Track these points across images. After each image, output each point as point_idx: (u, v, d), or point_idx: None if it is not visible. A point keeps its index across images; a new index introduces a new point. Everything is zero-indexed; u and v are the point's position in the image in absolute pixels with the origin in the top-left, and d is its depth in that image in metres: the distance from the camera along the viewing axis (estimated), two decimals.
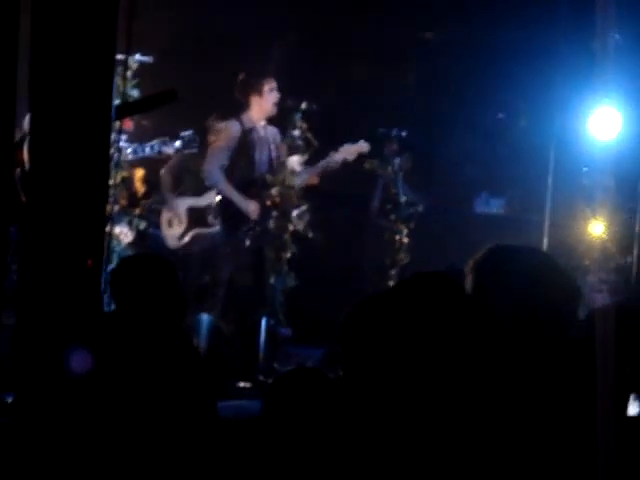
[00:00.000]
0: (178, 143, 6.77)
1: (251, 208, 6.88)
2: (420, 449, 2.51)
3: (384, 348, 2.59)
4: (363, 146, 7.13)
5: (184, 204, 7.57)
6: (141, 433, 3.51)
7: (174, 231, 7.53)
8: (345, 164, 7.15)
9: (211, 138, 7.26)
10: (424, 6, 8.44)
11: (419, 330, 2.57)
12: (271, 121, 7.02)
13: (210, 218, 7.37)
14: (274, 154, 7.03)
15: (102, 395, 3.55)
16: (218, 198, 6.92)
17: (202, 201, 7.52)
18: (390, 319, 2.62)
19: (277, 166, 7.00)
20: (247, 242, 6.91)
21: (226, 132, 6.89)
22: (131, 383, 3.57)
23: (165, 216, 7.56)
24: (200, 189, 7.55)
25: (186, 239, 7.52)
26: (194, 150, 6.91)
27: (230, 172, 6.92)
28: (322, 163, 7.03)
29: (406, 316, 2.59)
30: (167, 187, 7.58)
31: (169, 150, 6.78)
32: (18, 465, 3.73)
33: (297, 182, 6.94)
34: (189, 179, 7.62)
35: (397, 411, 2.53)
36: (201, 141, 6.95)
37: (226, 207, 6.91)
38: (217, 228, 7.35)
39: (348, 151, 7.04)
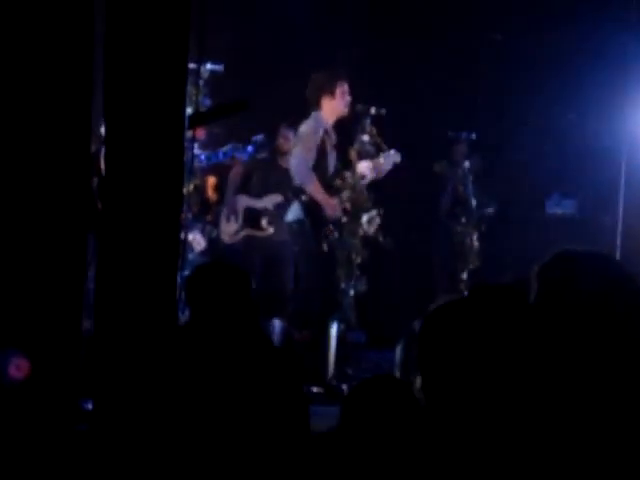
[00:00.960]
0: (250, 148, 6.79)
1: (335, 209, 6.82)
2: (498, 461, 2.47)
3: (455, 355, 2.55)
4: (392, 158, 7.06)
5: (243, 203, 7.61)
6: (231, 442, 3.50)
7: (230, 227, 7.59)
8: (416, 167, 7.11)
9: (280, 142, 7.29)
10: (491, 8, 8.40)
11: (488, 344, 2.52)
12: (342, 125, 7.00)
13: (264, 222, 7.41)
14: (337, 158, 7.03)
15: (187, 405, 3.57)
16: (303, 196, 6.87)
17: (260, 203, 7.56)
18: (459, 329, 2.57)
19: (340, 171, 6.98)
20: (325, 247, 6.87)
21: (311, 130, 6.83)
22: (220, 392, 3.57)
23: (225, 211, 7.64)
24: (263, 192, 7.60)
25: (239, 237, 7.56)
26: (266, 154, 6.94)
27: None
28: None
29: (476, 328, 2.53)
30: (233, 188, 7.65)
31: (242, 155, 6.82)
32: (99, 473, 3.77)
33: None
34: (256, 181, 7.67)
35: (472, 423, 2.49)
36: (272, 146, 6.98)
37: (310, 207, 6.85)
38: (270, 232, 7.39)
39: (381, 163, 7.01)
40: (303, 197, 6.84)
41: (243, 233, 7.56)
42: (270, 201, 7.45)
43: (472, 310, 2.49)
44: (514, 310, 2.51)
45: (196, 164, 6.54)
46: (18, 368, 3.76)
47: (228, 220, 7.62)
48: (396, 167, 7.07)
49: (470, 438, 2.36)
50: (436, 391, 2.40)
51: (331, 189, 6.89)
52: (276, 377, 3.67)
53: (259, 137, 6.86)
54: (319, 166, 6.86)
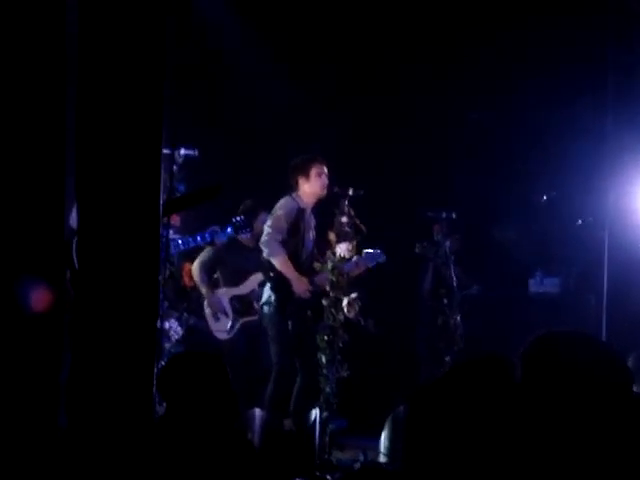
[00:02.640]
0: (229, 229, 6.74)
1: (303, 287, 6.80)
2: None
3: (443, 439, 2.51)
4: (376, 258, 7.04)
5: (226, 295, 7.51)
6: None
7: (222, 324, 7.47)
8: (396, 248, 7.06)
9: (258, 226, 7.22)
10: (471, 87, 8.44)
11: (474, 422, 2.50)
12: (319, 207, 6.99)
13: (256, 304, 7.31)
14: (314, 242, 7.01)
15: None
16: (272, 273, 6.82)
17: (245, 289, 7.46)
18: (445, 411, 2.54)
19: (316, 254, 6.95)
20: (289, 325, 6.80)
21: (285, 206, 6.87)
22: None
23: (208, 310, 7.52)
24: (234, 278, 7.50)
25: (235, 330, 7.44)
26: (247, 235, 6.88)
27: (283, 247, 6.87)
28: (345, 268, 6.93)
29: (462, 409, 2.51)
30: (199, 283, 7.55)
31: (221, 237, 6.75)
32: None
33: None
34: (222, 270, 7.58)
35: None
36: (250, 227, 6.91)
37: (278, 283, 6.81)
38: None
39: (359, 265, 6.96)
40: (272, 274, 6.78)
41: (239, 324, 7.45)
42: (254, 283, 7.35)
43: (455, 389, 2.45)
44: (497, 385, 2.48)
45: (175, 250, 6.46)
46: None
47: (217, 319, 7.50)
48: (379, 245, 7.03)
49: None
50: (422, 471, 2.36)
51: (307, 270, 6.83)
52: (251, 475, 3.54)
53: (239, 218, 6.82)
54: (292, 246, 6.84)
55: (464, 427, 2.39)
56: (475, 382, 2.50)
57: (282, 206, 6.90)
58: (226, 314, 7.48)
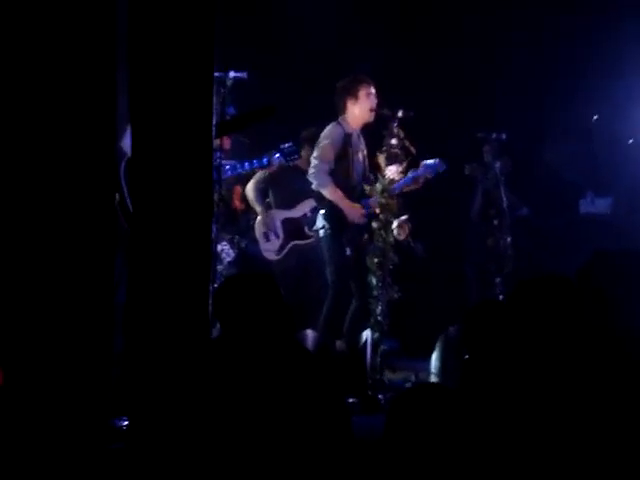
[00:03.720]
0: (278, 155, 6.72)
1: (357, 213, 6.80)
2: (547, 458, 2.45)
3: (508, 351, 2.54)
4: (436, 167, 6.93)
5: (279, 217, 7.53)
6: (272, 458, 3.41)
7: (272, 245, 7.50)
8: (445, 170, 6.99)
9: (307, 149, 7.20)
10: (520, 4, 8.31)
11: (541, 334, 2.53)
12: (368, 130, 6.95)
13: (307, 229, 7.32)
14: (366, 163, 6.98)
15: (224, 420, 3.48)
16: (324, 202, 6.82)
17: (297, 212, 7.47)
18: (512, 324, 2.58)
19: (368, 176, 6.92)
20: (348, 251, 6.84)
21: (330, 134, 6.82)
22: (254, 404, 3.48)
23: (260, 230, 7.54)
24: (287, 201, 7.51)
25: (284, 252, 7.47)
26: (295, 161, 6.86)
27: (332, 176, 6.85)
28: (402, 183, 6.88)
29: (532, 322, 2.55)
30: (254, 202, 7.57)
31: (269, 163, 6.74)
32: None
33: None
34: (275, 192, 7.59)
35: (523, 421, 2.47)
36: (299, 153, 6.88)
37: (331, 212, 6.81)
38: (314, 240, 7.29)
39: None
40: (325, 203, 6.80)
41: (289, 246, 7.47)
42: (306, 207, 7.34)
43: (521, 306, 2.47)
44: (560, 302, 2.50)
45: (226, 174, 6.46)
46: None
47: (267, 239, 7.51)
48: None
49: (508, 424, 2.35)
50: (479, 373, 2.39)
51: (358, 195, 6.82)
52: (317, 388, 3.57)
53: (287, 145, 6.79)
54: (342, 172, 6.83)
55: (528, 341, 2.41)
56: (540, 299, 2.51)
57: (327, 135, 6.85)
58: (277, 235, 7.50)
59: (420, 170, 6.85)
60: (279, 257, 7.48)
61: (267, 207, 7.58)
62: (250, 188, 7.55)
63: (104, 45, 3.88)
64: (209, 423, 3.52)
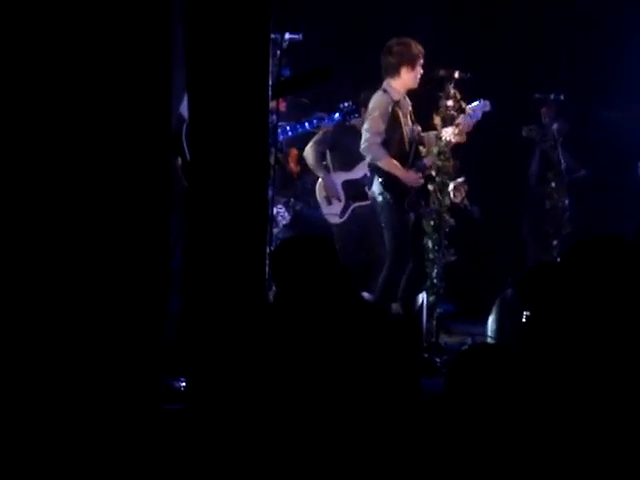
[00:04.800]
0: (337, 115, 6.67)
1: (414, 179, 6.75)
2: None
3: (565, 313, 2.53)
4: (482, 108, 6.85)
5: (339, 179, 7.49)
6: (335, 418, 3.40)
7: (335, 208, 7.46)
8: (502, 132, 6.94)
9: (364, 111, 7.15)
10: None
11: (601, 293, 2.51)
12: (425, 91, 6.88)
13: (367, 190, 7.28)
14: (416, 127, 6.90)
15: (280, 380, 3.48)
16: (380, 171, 6.79)
17: (356, 173, 7.43)
18: (570, 284, 2.56)
19: (421, 136, 6.86)
20: (410, 215, 6.79)
21: (379, 105, 6.78)
22: (315, 367, 3.46)
23: (321, 194, 7.50)
24: (346, 162, 7.46)
25: (347, 214, 7.44)
26: (355, 121, 6.80)
27: (385, 147, 6.81)
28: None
29: (588, 280, 2.53)
30: (314, 165, 7.51)
31: (329, 123, 6.69)
32: (195, 452, 3.74)
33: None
34: (333, 154, 7.54)
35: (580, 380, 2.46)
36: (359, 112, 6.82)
37: (388, 181, 6.78)
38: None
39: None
40: (380, 172, 6.77)
41: (351, 208, 7.44)
42: (365, 167, 7.28)
43: (580, 265, 2.46)
44: (621, 261, 2.48)
45: (282, 136, 6.45)
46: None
47: (329, 202, 7.47)
48: (484, 128, 6.88)
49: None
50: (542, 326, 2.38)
51: (412, 157, 6.77)
52: (385, 344, 3.53)
53: (347, 104, 6.73)
54: (395, 141, 6.77)
55: (587, 302, 2.39)
56: (598, 259, 2.49)
57: (376, 106, 6.76)
58: (339, 198, 7.47)
59: (466, 117, 6.74)
60: (342, 220, 7.44)
61: (326, 170, 7.53)
62: (308, 152, 7.50)
63: (159, 11, 3.87)
64: (266, 385, 3.52)
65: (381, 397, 3.39)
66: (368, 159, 6.83)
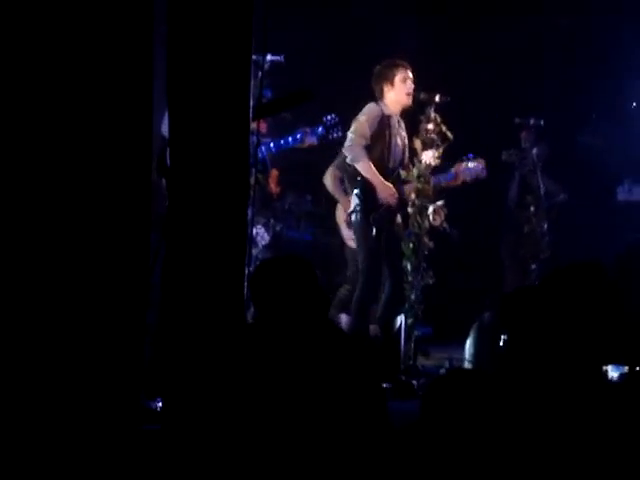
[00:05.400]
0: (321, 129, 6.66)
1: (389, 193, 6.74)
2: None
3: (542, 338, 2.54)
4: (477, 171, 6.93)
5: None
6: (307, 439, 3.41)
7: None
8: (482, 156, 6.96)
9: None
10: None
11: (578, 320, 2.53)
12: (405, 115, 6.90)
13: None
14: (406, 151, 6.92)
15: (257, 401, 3.48)
16: (357, 181, 6.77)
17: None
18: (547, 310, 2.58)
19: (406, 162, 6.88)
20: (374, 230, 6.74)
21: (369, 112, 6.77)
22: (290, 388, 3.48)
23: (340, 218, 7.39)
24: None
25: None
26: (339, 134, 6.79)
27: (367, 153, 6.79)
28: (441, 179, 6.87)
29: (565, 306, 2.55)
30: (333, 190, 7.38)
31: (312, 138, 6.67)
32: (172, 472, 3.72)
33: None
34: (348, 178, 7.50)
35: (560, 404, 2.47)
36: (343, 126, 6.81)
37: (364, 191, 6.75)
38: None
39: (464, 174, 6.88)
40: (358, 182, 6.73)
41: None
42: None
43: (556, 292, 2.47)
44: (595, 288, 2.49)
45: (266, 152, 6.45)
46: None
47: (350, 226, 7.39)
48: (465, 152, 6.94)
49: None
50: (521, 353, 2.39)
51: (393, 180, 6.78)
52: (352, 370, 3.56)
53: (329, 117, 6.73)
54: (377, 153, 6.76)
55: (564, 327, 2.40)
56: (574, 285, 2.50)
57: (365, 112, 6.79)
58: None
59: (462, 170, 6.83)
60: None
61: (345, 194, 7.46)
62: (327, 177, 7.40)
63: (141, 30, 3.88)
64: (243, 406, 3.52)
65: (345, 419, 3.41)
66: (348, 159, 6.76)
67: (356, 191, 6.77)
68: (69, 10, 3.78)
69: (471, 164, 6.89)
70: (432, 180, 6.77)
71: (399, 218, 6.85)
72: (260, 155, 6.19)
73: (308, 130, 6.66)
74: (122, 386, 3.86)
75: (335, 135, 6.78)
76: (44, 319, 3.75)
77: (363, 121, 6.75)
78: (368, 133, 6.72)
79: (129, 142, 3.89)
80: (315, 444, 3.37)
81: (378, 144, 6.76)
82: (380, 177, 6.71)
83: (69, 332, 3.77)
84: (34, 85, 3.76)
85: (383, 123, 6.77)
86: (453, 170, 6.86)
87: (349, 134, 6.77)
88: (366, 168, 6.71)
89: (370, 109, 6.80)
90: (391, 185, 6.73)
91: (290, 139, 6.56)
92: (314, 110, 6.68)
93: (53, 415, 3.72)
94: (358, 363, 3.60)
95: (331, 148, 7.02)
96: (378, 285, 6.80)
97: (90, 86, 3.82)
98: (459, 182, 6.91)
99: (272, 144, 6.53)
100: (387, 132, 6.79)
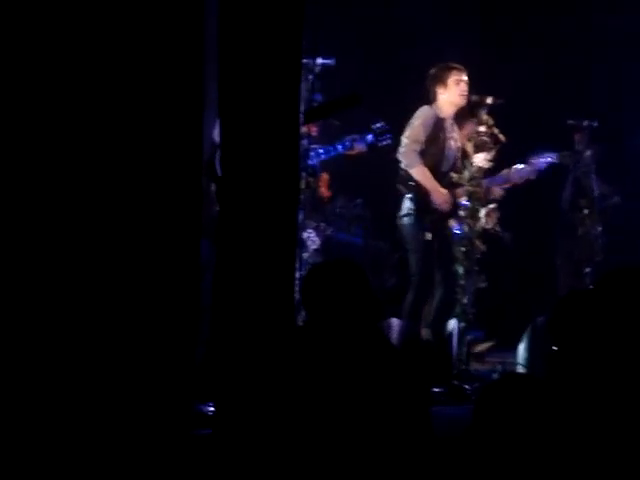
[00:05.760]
0: (370, 136, 6.66)
1: (444, 198, 6.73)
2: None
3: (595, 344, 2.49)
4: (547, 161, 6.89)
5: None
6: (353, 445, 3.40)
7: None
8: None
9: None
10: None
11: (631, 324, 2.48)
12: (459, 117, 6.86)
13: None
14: (459, 153, 6.88)
15: (307, 407, 3.47)
16: (411, 186, 6.75)
17: None
18: (601, 315, 2.53)
19: (459, 165, 6.84)
20: (428, 236, 6.72)
21: (423, 115, 6.77)
22: (337, 393, 3.47)
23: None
24: None
25: None
26: (388, 142, 6.78)
27: (421, 157, 6.76)
28: (501, 178, 6.84)
29: (617, 312, 2.50)
30: None
31: (361, 145, 6.67)
32: (223, 477, 3.72)
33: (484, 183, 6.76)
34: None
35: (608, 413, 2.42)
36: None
37: (417, 196, 6.74)
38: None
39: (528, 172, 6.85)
40: (411, 187, 6.71)
41: None
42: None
43: (608, 296, 2.43)
44: None
45: (316, 159, 6.46)
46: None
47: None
48: (516, 154, 6.90)
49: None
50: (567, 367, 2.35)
51: (447, 183, 6.75)
52: (397, 378, 3.54)
53: (379, 124, 6.72)
54: (432, 156, 6.74)
55: (617, 331, 2.36)
56: (628, 289, 2.46)
57: (419, 115, 6.79)
58: None
59: (513, 172, 6.84)
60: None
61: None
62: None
63: (192, 33, 3.90)
64: (293, 410, 3.51)
65: (388, 426, 3.40)
66: (402, 165, 6.76)
67: (409, 195, 6.76)
68: (122, 18, 3.80)
69: (521, 165, 6.82)
70: (485, 182, 6.73)
71: (451, 222, 6.81)
72: (314, 160, 6.20)
73: (357, 137, 6.66)
74: (174, 390, 3.87)
75: (384, 142, 6.77)
76: (98, 324, 3.77)
77: (417, 125, 6.74)
78: (422, 137, 6.72)
79: (180, 147, 3.91)
80: (359, 449, 3.36)
81: (432, 147, 6.75)
82: (435, 182, 6.70)
83: (122, 337, 3.79)
84: (88, 92, 3.78)
85: (437, 126, 6.76)
86: (503, 173, 6.81)
87: (403, 139, 6.76)
88: (421, 173, 6.71)
89: (424, 112, 6.78)
90: (445, 191, 6.71)
91: (339, 146, 6.57)
92: (363, 116, 6.66)
93: (107, 419, 3.74)
94: (404, 371, 3.57)
95: (382, 153, 7.00)
96: (430, 289, 6.77)
97: (141, 91, 3.84)
98: (511, 184, 6.85)
99: (322, 151, 6.53)
100: (441, 135, 6.77)
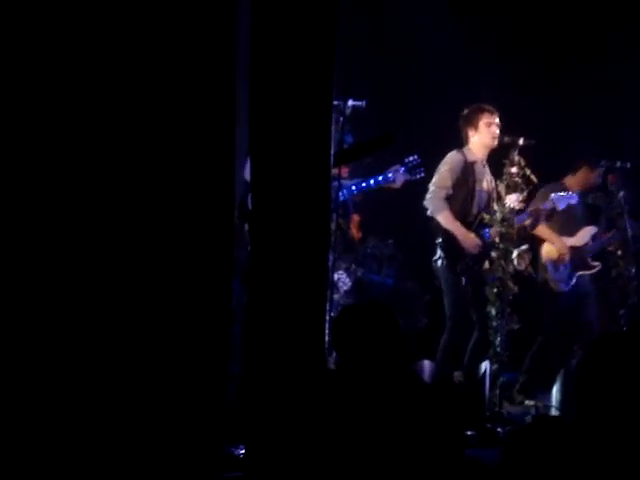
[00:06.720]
0: (402, 169, 6.68)
1: (472, 243, 6.71)
2: None
3: (626, 388, 2.45)
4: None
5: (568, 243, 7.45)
6: None
7: (560, 275, 7.40)
8: None
9: None
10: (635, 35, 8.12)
11: None
12: (490, 158, 6.86)
13: (589, 259, 7.30)
14: (492, 193, 6.87)
15: (338, 449, 3.45)
16: (440, 231, 6.75)
17: (579, 240, 7.41)
18: (634, 358, 2.49)
19: (492, 205, 6.82)
20: (463, 281, 6.72)
21: (450, 161, 6.78)
22: (370, 437, 3.44)
23: (549, 259, 7.42)
24: (567, 228, 7.44)
25: (571, 283, 7.38)
26: (421, 175, 6.79)
27: (449, 203, 6.77)
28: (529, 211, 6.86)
29: None
30: (549, 233, 7.44)
31: (393, 179, 6.68)
32: None
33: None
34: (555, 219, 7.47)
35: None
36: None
37: (446, 241, 6.74)
38: (595, 270, 7.33)
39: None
40: (440, 232, 6.72)
41: (576, 276, 7.40)
42: (587, 235, 7.39)
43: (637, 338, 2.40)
44: None
45: (348, 194, 6.48)
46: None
47: (557, 269, 7.39)
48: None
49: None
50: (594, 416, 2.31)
51: (478, 224, 6.73)
52: (431, 420, 3.51)
53: (412, 157, 6.73)
54: (461, 200, 6.74)
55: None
56: None
57: (447, 162, 6.81)
58: (565, 265, 7.41)
59: (553, 199, 6.92)
60: (567, 289, 7.38)
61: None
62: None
63: (223, 72, 3.91)
64: (325, 453, 3.48)
65: (425, 471, 3.37)
66: (429, 212, 6.79)
67: (439, 240, 6.75)
68: (151, 54, 3.83)
69: (561, 193, 6.95)
70: (518, 219, 6.72)
71: (486, 264, 6.78)
72: (342, 198, 6.21)
73: (391, 171, 6.67)
74: (205, 432, 3.85)
75: (418, 176, 6.78)
76: (132, 362, 3.76)
77: (444, 171, 6.76)
78: (449, 183, 6.73)
79: (212, 187, 3.91)
80: None
81: (461, 191, 6.75)
82: (462, 228, 6.69)
83: (155, 377, 3.78)
84: (123, 132, 3.81)
85: (466, 170, 6.76)
86: (529, 210, 6.79)
87: (430, 186, 6.78)
88: (447, 220, 6.71)
89: (452, 158, 6.80)
90: (474, 235, 6.69)
91: (372, 181, 6.59)
92: (392, 153, 6.67)
93: (140, 461, 3.72)
94: (438, 412, 3.54)
95: (412, 193, 7.01)
96: (467, 332, 6.73)
97: (176, 132, 3.86)
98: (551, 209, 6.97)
99: (353, 185, 6.54)
100: (470, 179, 6.77)
